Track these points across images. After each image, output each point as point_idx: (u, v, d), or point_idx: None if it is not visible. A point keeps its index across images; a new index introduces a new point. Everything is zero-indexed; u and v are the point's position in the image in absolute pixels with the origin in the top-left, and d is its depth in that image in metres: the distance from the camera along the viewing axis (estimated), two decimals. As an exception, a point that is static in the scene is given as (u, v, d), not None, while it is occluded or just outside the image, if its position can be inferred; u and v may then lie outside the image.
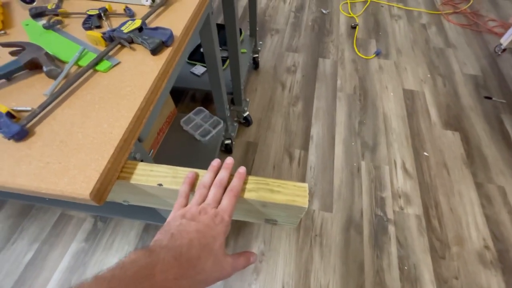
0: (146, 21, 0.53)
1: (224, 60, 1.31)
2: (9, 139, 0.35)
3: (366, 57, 1.74)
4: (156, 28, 0.50)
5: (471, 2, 2.14)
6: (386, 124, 1.42)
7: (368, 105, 1.50)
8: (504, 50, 1.73)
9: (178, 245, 0.27)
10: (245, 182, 0.36)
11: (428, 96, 1.55)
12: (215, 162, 0.39)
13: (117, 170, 0.36)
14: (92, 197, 0.32)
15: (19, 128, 0.35)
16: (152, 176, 0.37)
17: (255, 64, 1.63)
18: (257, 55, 1.59)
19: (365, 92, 1.56)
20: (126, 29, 0.48)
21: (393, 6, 2.15)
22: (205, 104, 1.48)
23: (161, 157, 1.02)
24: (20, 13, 0.56)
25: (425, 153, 1.31)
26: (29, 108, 0.39)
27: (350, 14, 2.05)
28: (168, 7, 0.57)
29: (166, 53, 0.47)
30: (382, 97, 1.54)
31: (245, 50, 1.44)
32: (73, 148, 0.35)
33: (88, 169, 0.33)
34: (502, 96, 1.54)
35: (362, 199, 1.17)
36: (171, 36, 0.48)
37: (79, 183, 0.32)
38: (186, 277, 0.26)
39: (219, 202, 0.33)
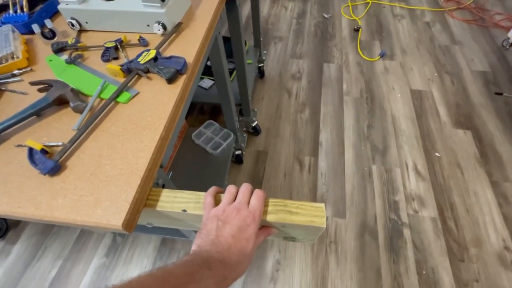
0: (160, 50, 0.56)
1: (230, 72, 1.34)
2: (44, 174, 0.38)
3: (371, 59, 1.75)
4: (170, 57, 0.52)
5: (475, -4, 2.11)
6: (395, 126, 1.42)
7: (376, 108, 1.50)
8: (512, 44, 1.70)
9: (220, 251, 0.31)
10: (266, 205, 0.38)
11: (436, 95, 1.54)
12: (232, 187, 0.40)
13: (144, 198, 0.39)
14: (124, 227, 0.34)
15: (53, 164, 0.38)
16: (176, 203, 0.39)
17: (261, 73, 1.66)
18: (262, 64, 1.62)
19: (372, 94, 1.56)
20: (142, 60, 0.51)
21: (395, 5, 2.14)
22: (213, 115, 1.51)
23: (175, 172, 1.05)
24: (43, 49, 0.60)
25: (437, 154, 1.30)
26: (60, 143, 0.42)
27: (352, 16, 2.06)
28: (179, 34, 0.60)
29: (181, 81, 0.50)
30: (389, 98, 1.54)
31: (250, 61, 1.47)
32: (103, 180, 0.38)
33: (118, 201, 0.36)
34: (513, 91, 1.52)
35: (375, 204, 1.17)
36: (184, 64, 0.51)
37: (112, 214, 0.35)
38: (230, 275, 0.31)
39: (248, 202, 0.36)
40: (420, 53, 1.77)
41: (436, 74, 1.64)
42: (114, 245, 1.12)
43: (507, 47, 1.72)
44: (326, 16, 2.09)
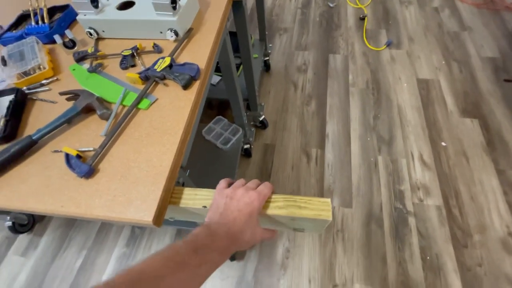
0: (174, 57, 0.59)
1: (237, 67, 1.37)
2: (81, 177, 0.43)
3: (377, 49, 1.74)
4: (184, 64, 0.56)
5: (486, -22, 2.04)
6: (401, 117, 1.43)
7: (382, 99, 1.51)
8: (524, 28, 1.66)
9: (226, 222, 0.37)
10: (275, 201, 0.42)
11: (443, 84, 1.53)
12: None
13: (168, 196, 0.43)
14: (154, 223, 0.39)
15: (88, 167, 0.43)
16: (197, 200, 0.44)
17: (267, 66, 1.68)
18: (267, 58, 1.63)
19: (378, 85, 1.57)
20: (158, 67, 0.55)
21: (402, -9, 2.09)
22: (221, 110, 1.55)
23: (188, 168, 1.10)
24: (65, 58, 0.64)
25: (443, 143, 1.32)
26: (91, 148, 0.47)
27: (358, 5, 2.03)
28: (190, 39, 0.64)
29: (196, 86, 0.54)
30: (395, 89, 1.54)
31: (256, 55, 1.48)
32: (133, 182, 0.43)
33: (147, 199, 0.41)
34: (523, 77, 1.50)
35: (381, 193, 1.21)
36: (198, 70, 0.55)
37: (143, 211, 0.40)
38: (233, 245, 0.37)
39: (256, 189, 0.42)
40: (428, 40, 1.75)
41: (443, 62, 1.63)
42: (133, 236, 1.20)
43: (518, 31, 1.68)
44: (331, 5, 2.06)
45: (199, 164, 1.13)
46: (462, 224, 1.11)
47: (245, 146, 1.30)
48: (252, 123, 1.44)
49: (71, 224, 1.26)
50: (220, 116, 1.24)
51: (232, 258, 1.10)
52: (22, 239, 1.23)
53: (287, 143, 1.40)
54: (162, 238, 1.18)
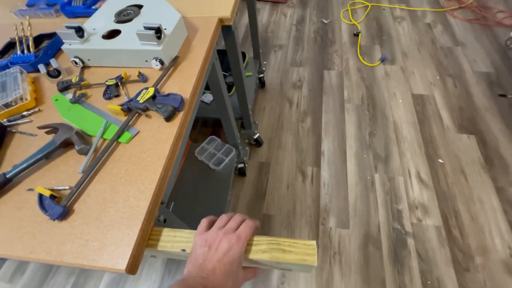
0: (158, 86, 0.58)
1: (231, 86, 1.37)
2: (54, 220, 0.41)
3: (372, 65, 1.75)
4: (168, 95, 0.55)
5: (477, -6, 2.08)
6: (397, 133, 1.41)
7: (378, 115, 1.50)
8: (517, 43, 1.68)
9: (206, 276, 0.35)
10: (258, 243, 0.40)
11: (438, 99, 1.53)
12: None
13: (145, 239, 0.41)
14: (127, 271, 0.37)
15: (62, 209, 0.41)
16: (176, 242, 0.41)
17: (261, 83, 1.68)
18: (262, 75, 1.64)
19: (373, 101, 1.56)
20: (141, 99, 0.54)
21: (395, 7, 2.13)
22: (216, 128, 1.54)
23: (179, 189, 1.08)
24: (49, 87, 0.63)
25: (440, 160, 1.30)
26: (67, 187, 0.45)
27: (351, 21, 2.06)
28: (177, 67, 0.63)
29: (179, 118, 0.52)
30: (391, 105, 1.53)
31: (250, 74, 1.49)
32: (108, 224, 0.41)
33: (122, 245, 0.38)
34: (517, 92, 1.49)
35: (378, 213, 1.18)
36: (181, 101, 0.53)
37: (116, 259, 0.37)
38: None
39: (237, 229, 0.40)
40: (422, 56, 1.76)
41: (438, 77, 1.63)
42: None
43: (511, 46, 1.69)
44: (325, 21, 2.09)
45: (190, 185, 1.10)
46: (462, 245, 1.07)
47: (239, 165, 1.28)
48: (246, 141, 1.43)
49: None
50: (213, 136, 1.23)
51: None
52: (9, 265, 1.19)
53: (282, 161, 1.38)
54: (154, 263, 1.14)
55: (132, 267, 0.38)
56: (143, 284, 1.09)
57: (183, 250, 0.41)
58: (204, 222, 0.42)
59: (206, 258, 0.36)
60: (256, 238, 0.41)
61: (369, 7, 2.14)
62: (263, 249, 0.40)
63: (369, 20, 2.06)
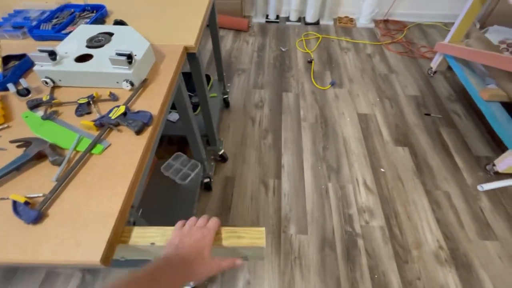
0: (129, 104, 0.65)
1: (197, 106, 1.46)
2: (28, 224, 0.45)
3: (323, 88, 1.98)
4: (138, 112, 0.62)
5: (405, 32, 2.51)
6: (346, 147, 1.61)
7: (329, 131, 1.69)
8: (435, 72, 2.05)
9: (181, 253, 0.43)
10: (220, 233, 0.48)
11: (379, 117, 1.79)
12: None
13: (118, 236, 0.47)
14: (101, 263, 0.42)
15: (36, 214, 0.45)
16: (146, 237, 0.48)
17: (226, 103, 1.80)
18: (227, 96, 1.76)
19: (325, 119, 1.77)
20: (113, 115, 0.60)
21: (341, 40, 2.46)
22: (181, 145, 1.59)
23: (147, 204, 1.10)
24: (18, 105, 0.66)
25: (382, 169, 1.51)
26: (41, 194, 0.49)
27: (306, 50, 2.33)
28: (145, 88, 0.71)
29: (148, 132, 0.60)
30: (340, 122, 1.75)
31: (215, 95, 1.60)
32: (82, 225, 0.45)
33: (96, 240, 0.44)
34: (438, 112, 1.81)
35: (332, 218, 1.31)
36: (150, 117, 0.61)
37: (91, 252, 0.42)
38: (187, 274, 0.42)
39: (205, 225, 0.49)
40: (364, 81, 2.05)
41: (378, 99, 1.91)
42: (83, 284, 1.12)
43: (431, 74, 2.06)
44: (283, 49, 2.33)
45: (157, 200, 1.13)
46: (402, 241, 1.24)
47: (205, 180, 1.34)
48: (212, 157, 1.50)
49: (10, 276, 1.13)
50: (179, 153, 1.28)
51: (193, 295, 1.08)
52: None
53: (246, 175, 1.48)
54: (117, 283, 1.11)
55: (106, 260, 0.43)
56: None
57: (152, 243, 0.47)
58: (180, 223, 0.50)
59: (182, 241, 0.45)
60: (222, 229, 0.49)
61: (320, 38, 2.45)
62: (223, 237, 0.48)
63: (321, 49, 2.35)
